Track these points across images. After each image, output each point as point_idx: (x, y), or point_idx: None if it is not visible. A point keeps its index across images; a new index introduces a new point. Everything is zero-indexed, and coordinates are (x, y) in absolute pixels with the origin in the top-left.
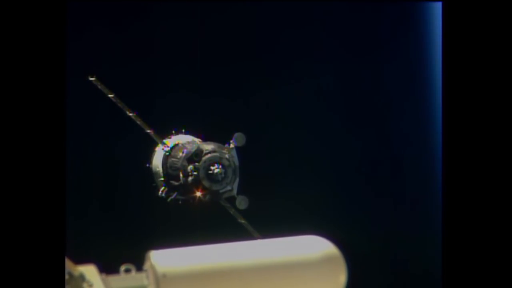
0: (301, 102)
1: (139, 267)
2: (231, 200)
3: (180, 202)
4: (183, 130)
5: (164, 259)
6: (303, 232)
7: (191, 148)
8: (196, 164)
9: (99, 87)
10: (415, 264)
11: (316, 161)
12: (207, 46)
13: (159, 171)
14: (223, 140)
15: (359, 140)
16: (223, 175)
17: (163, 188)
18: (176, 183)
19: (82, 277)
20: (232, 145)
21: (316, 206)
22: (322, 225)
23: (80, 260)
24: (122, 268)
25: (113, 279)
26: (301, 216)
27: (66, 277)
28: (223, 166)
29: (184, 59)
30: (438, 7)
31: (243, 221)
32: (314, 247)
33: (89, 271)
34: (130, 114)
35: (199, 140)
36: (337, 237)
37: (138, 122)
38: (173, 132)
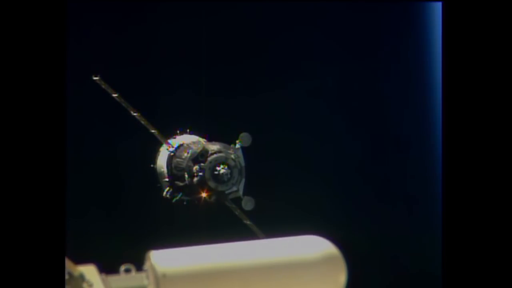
0: (302, 102)
1: (139, 267)
2: (237, 201)
3: (185, 203)
4: (188, 130)
5: (164, 259)
6: (303, 232)
7: (197, 149)
8: (202, 164)
9: (103, 86)
10: (415, 264)
11: (316, 161)
12: (211, 46)
13: (163, 171)
14: (228, 140)
15: (359, 140)
16: (229, 176)
17: (167, 189)
18: (181, 184)
19: (82, 277)
20: (238, 145)
21: (316, 206)
22: (322, 225)
23: (80, 260)
24: (122, 268)
25: (113, 279)
26: (301, 216)
27: (66, 277)
28: (229, 167)
29: (189, 59)
30: (438, 7)
31: (248, 222)
32: (314, 247)
33: (89, 271)
34: (135, 114)
35: (204, 140)
36: (337, 237)
37: (143, 122)
38: (178, 132)
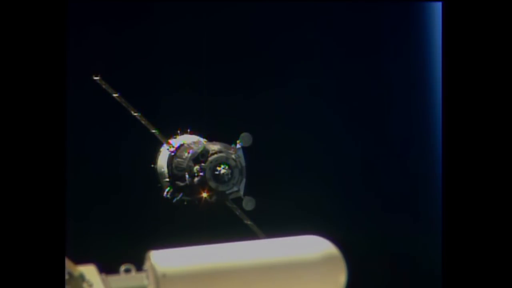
0: (302, 102)
1: (139, 267)
2: (238, 201)
3: (185, 203)
4: (189, 130)
5: (164, 259)
6: (303, 232)
7: (197, 149)
8: (202, 164)
9: (104, 86)
10: (415, 264)
11: (316, 161)
12: (212, 45)
13: (164, 171)
14: (229, 140)
15: (359, 140)
16: (229, 176)
17: (168, 189)
18: (182, 184)
19: (82, 277)
20: (238, 145)
21: (316, 206)
22: (322, 225)
23: (80, 260)
24: (122, 268)
25: (113, 279)
26: (301, 216)
27: (66, 277)
28: (230, 167)
29: (189, 59)
30: (438, 7)
31: (249, 222)
32: (314, 247)
33: (89, 271)
34: (135, 114)
35: (205, 140)
36: (337, 237)
37: (143, 122)
38: (178, 132)
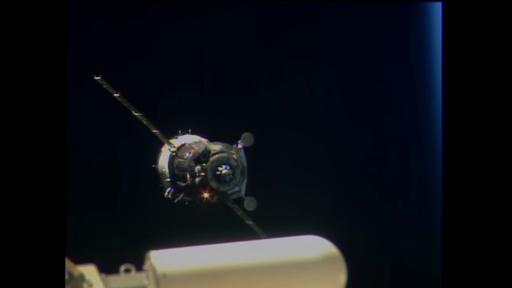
0: (303, 102)
1: (139, 267)
2: (239, 201)
3: (186, 203)
4: (190, 130)
5: (164, 259)
6: (303, 232)
7: (198, 149)
8: (204, 164)
9: (105, 86)
10: (415, 264)
11: (316, 161)
12: (213, 45)
13: (165, 171)
14: (230, 140)
15: (359, 140)
16: (231, 176)
17: (169, 189)
18: (183, 184)
19: (82, 277)
20: (240, 145)
21: (316, 206)
22: (322, 225)
23: (80, 260)
24: (122, 268)
25: (113, 279)
26: (301, 216)
27: (66, 277)
28: (231, 167)
29: (190, 58)
30: (438, 7)
31: (250, 223)
32: (314, 247)
33: (89, 271)
34: (136, 114)
35: (206, 140)
36: (337, 237)
37: (144, 122)
38: (179, 132)
